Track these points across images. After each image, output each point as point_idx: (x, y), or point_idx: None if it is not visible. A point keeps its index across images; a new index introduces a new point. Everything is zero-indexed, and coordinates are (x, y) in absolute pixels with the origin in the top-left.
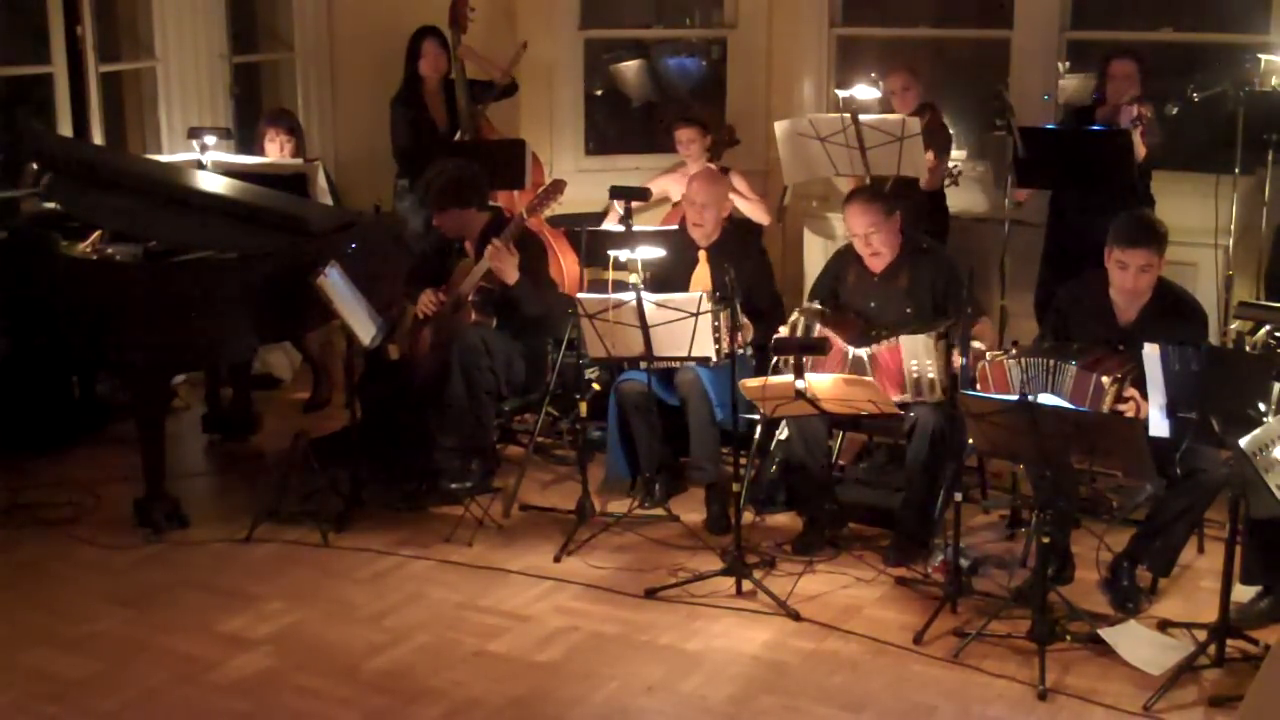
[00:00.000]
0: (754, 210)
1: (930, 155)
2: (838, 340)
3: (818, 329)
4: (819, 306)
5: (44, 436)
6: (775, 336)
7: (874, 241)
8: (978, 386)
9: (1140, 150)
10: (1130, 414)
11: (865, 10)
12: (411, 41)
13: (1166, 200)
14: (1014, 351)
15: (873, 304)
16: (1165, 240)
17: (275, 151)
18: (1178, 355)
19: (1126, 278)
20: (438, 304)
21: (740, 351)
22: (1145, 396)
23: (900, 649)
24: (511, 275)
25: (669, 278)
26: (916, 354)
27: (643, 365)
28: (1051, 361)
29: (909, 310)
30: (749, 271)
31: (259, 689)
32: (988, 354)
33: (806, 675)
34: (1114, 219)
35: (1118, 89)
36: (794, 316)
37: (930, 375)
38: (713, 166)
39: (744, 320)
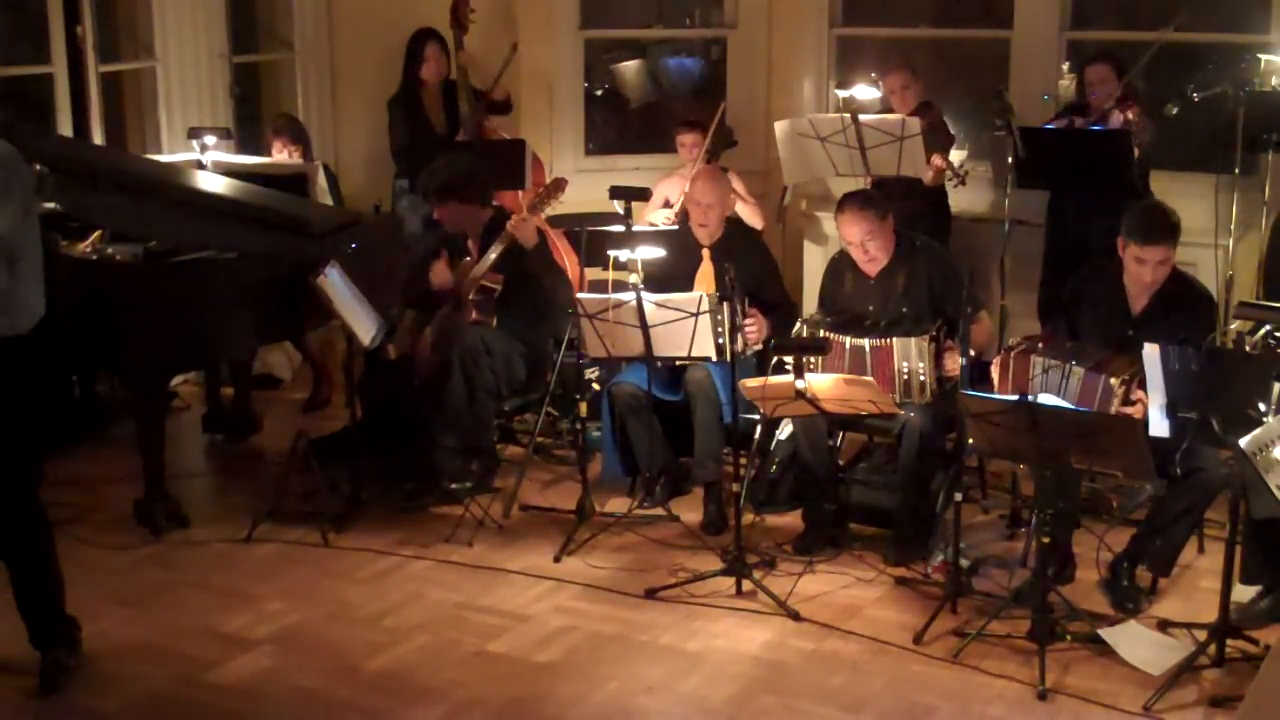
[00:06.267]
0: (749, 213)
1: (933, 157)
2: (840, 336)
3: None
4: (819, 317)
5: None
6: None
7: (870, 248)
8: (994, 375)
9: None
10: (1138, 415)
11: (865, 10)
12: (412, 44)
13: (1166, 200)
14: (1040, 347)
15: (871, 307)
16: (1180, 231)
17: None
18: (1178, 355)
19: (1145, 272)
20: (448, 278)
21: (747, 352)
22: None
23: (900, 649)
24: (531, 238)
25: (673, 278)
26: (909, 357)
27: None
28: (1061, 363)
29: (905, 310)
30: (755, 269)
31: (259, 689)
32: (1012, 340)
33: (806, 675)
34: (1124, 212)
35: (1098, 93)
36: (796, 329)
37: (921, 378)
38: (713, 166)
39: (753, 312)
